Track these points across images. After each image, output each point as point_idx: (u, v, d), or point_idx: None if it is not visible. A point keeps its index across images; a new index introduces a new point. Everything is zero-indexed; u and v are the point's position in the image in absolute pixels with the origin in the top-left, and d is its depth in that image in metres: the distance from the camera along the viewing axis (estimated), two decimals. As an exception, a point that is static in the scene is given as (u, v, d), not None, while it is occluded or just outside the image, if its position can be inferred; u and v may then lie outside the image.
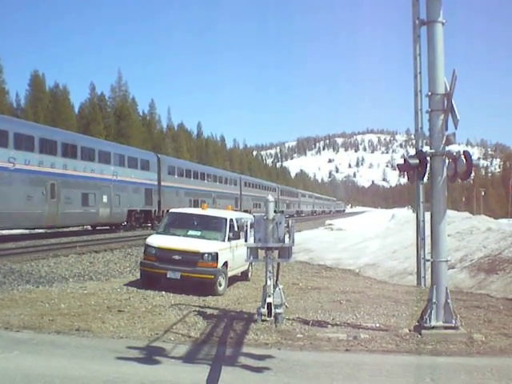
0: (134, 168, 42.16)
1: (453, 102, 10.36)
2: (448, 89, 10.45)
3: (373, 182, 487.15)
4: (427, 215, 10.74)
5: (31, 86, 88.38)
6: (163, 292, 14.73)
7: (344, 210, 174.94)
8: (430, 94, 10.61)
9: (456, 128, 10.49)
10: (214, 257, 15.23)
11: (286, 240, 11.04)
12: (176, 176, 50.38)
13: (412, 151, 11.13)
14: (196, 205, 49.85)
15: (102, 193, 37.06)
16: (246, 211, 52.26)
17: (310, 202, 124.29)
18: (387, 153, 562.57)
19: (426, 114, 10.75)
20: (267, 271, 10.96)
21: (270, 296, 10.06)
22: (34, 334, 9.70)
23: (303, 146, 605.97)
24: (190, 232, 16.45)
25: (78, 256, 21.65)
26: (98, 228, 39.91)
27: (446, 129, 10.59)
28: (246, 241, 11.31)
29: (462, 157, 10.04)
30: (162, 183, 46.57)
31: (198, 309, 12.79)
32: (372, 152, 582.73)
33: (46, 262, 19.48)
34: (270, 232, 10.81)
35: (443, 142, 10.51)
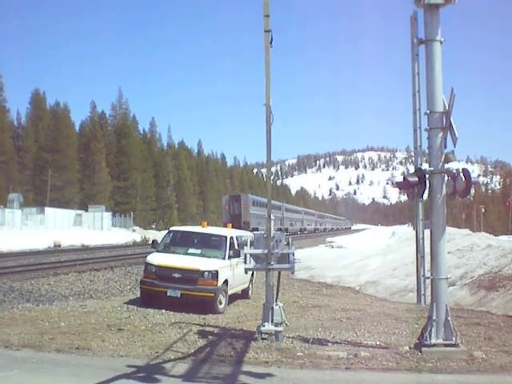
0: (275, 209, 75.65)
1: (451, 120, 10.43)
2: (447, 107, 10.53)
3: (373, 199, 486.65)
4: (427, 232, 10.75)
5: (32, 104, 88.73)
6: (163, 310, 14.69)
7: (350, 227, 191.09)
8: (428, 112, 10.67)
9: (455, 146, 10.56)
10: (215, 275, 15.21)
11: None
12: (288, 212, 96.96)
13: (412, 168, 11.17)
14: (291, 225, 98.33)
15: (275, 218, 66.22)
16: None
17: (330, 221, 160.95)
18: (387, 170, 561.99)
19: (424, 132, 10.81)
20: (267, 285, 11.06)
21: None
22: (34, 353, 9.68)
23: (303, 164, 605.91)
24: (191, 250, 16.45)
25: (78, 274, 21.65)
26: (97, 246, 40.46)
27: (445, 146, 10.64)
28: (245, 263, 11.43)
29: (461, 174, 10.09)
30: (284, 215, 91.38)
31: (198, 327, 12.77)
32: (372, 169, 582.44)
33: (46, 281, 19.48)
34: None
35: (442, 159, 10.56)
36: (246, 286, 18.08)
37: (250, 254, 11.43)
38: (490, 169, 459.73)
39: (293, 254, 11.45)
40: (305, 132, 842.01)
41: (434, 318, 10.36)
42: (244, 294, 18.29)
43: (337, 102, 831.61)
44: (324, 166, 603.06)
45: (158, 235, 43.03)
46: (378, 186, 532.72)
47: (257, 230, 58.91)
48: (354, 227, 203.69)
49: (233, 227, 46.34)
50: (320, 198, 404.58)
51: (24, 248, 38.55)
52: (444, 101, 10.63)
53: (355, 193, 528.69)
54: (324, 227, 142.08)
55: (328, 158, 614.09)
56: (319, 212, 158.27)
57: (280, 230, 71.53)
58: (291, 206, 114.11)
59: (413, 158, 11.38)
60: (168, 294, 15.11)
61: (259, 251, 11.27)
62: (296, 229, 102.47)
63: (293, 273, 11.95)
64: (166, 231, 18.87)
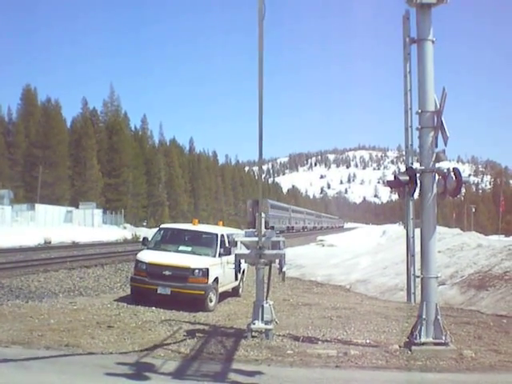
0: (284, 210, 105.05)
1: (442, 120, 10.46)
2: (438, 106, 10.55)
3: (364, 198, 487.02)
4: (417, 231, 10.78)
5: (23, 100, 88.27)
6: (153, 308, 14.68)
7: (343, 226, 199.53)
8: (420, 111, 10.69)
9: (446, 145, 10.60)
10: (205, 272, 15.21)
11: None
12: (293, 213, 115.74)
13: (403, 168, 11.19)
14: (296, 223, 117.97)
15: (283, 219, 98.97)
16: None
17: (326, 220, 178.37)
18: (379, 169, 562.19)
19: (416, 131, 10.83)
20: (258, 283, 11.05)
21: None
22: (23, 350, 9.64)
23: (295, 162, 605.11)
24: (181, 247, 16.45)
25: (68, 271, 21.59)
26: (88, 243, 40.57)
27: (436, 146, 10.67)
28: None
29: (452, 174, 10.11)
30: (291, 215, 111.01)
31: (188, 325, 12.76)
32: (363, 168, 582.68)
33: (36, 277, 19.43)
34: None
35: (433, 158, 10.59)
36: (236, 284, 18.05)
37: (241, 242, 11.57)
38: (481, 168, 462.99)
39: (283, 242, 11.52)
40: (297, 131, 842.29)
41: (424, 316, 10.39)
42: (234, 291, 18.28)
43: (328, 101, 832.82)
44: (315, 165, 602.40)
45: (149, 232, 42.88)
46: (369, 184, 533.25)
47: (272, 228, 78.00)
48: (345, 226, 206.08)
49: (253, 225, 54.12)
50: (311, 197, 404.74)
51: (14, 244, 38.38)
52: (435, 100, 10.66)
53: (346, 191, 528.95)
54: (321, 225, 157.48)
55: (320, 157, 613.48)
56: (317, 212, 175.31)
57: (288, 227, 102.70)
58: (296, 208, 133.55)
59: (404, 157, 11.39)
60: (158, 291, 15.11)
61: (251, 238, 11.33)
62: (299, 227, 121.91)
63: (283, 279, 11.98)
64: (157, 228, 18.84)
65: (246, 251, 11.53)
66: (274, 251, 11.21)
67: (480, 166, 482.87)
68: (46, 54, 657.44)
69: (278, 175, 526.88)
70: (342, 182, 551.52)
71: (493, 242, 27.71)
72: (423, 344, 10.26)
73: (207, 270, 15.26)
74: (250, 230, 11.94)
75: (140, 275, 15.52)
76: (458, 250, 24.69)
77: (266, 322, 11.24)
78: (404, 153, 11.39)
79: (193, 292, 15.07)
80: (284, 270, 11.45)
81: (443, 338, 10.31)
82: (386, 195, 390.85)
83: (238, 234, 17.50)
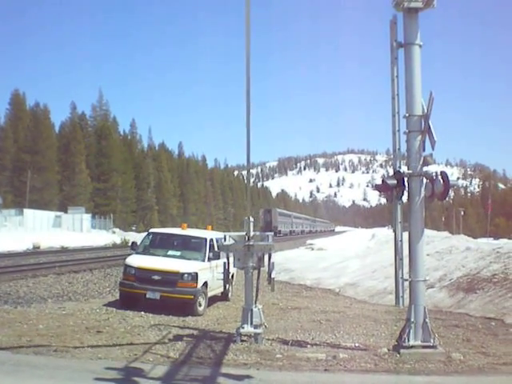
0: (287, 217, 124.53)
1: (430, 124, 10.51)
2: (425, 110, 10.61)
3: (353, 201, 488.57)
4: (406, 235, 10.82)
5: (11, 105, 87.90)
6: (142, 312, 14.66)
7: (334, 230, 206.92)
8: (407, 115, 10.75)
9: (433, 149, 10.65)
10: (194, 277, 15.19)
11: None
12: (295, 219, 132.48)
13: (392, 171, 11.23)
14: (296, 227, 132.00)
15: (287, 224, 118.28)
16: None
17: (319, 224, 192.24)
18: (368, 173, 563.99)
19: (404, 135, 10.88)
20: (247, 287, 11.05)
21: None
22: (12, 355, 9.58)
23: (284, 166, 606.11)
24: (170, 252, 16.43)
25: (57, 276, 21.50)
26: (77, 248, 40.44)
27: (424, 150, 10.73)
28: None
29: (439, 177, 10.17)
30: (293, 220, 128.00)
31: (177, 329, 12.74)
32: (353, 172, 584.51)
33: (24, 283, 19.34)
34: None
35: (421, 162, 10.64)
36: (225, 288, 18.09)
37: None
38: (470, 172, 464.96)
39: (272, 235, 11.60)
40: (285, 135, 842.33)
41: (412, 319, 10.42)
42: (224, 296, 18.25)
43: (317, 105, 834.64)
44: (305, 169, 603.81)
45: (138, 237, 42.81)
46: (358, 188, 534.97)
47: (280, 231, 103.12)
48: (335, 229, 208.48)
49: (266, 230, 59.53)
50: (301, 201, 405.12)
51: (2, 250, 38.15)
52: (423, 104, 10.72)
53: (336, 195, 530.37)
54: (315, 229, 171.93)
55: (309, 161, 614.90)
56: (312, 217, 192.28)
57: (290, 231, 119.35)
58: (296, 214, 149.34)
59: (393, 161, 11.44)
60: (147, 296, 15.08)
61: (239, 233, 11.38)
62: (299, 230, 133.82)
63: (273, 289, 12.04)
64: (146, 233, 18.81)
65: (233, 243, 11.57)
66: (263, 242, 11.23)
67: (469, 170, 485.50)
68: (35, 59, 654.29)
69: (267, 179, 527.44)
70: (331, 186, 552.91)
71: (481, 245, 27.83)
72: (412, 347, 10.30)
73: (196, 274, 15.24)
74: (241, 233, 11.96)
75: (129, 280, 15.47)
76: (447, 253, 24.81)
77: (255, 326, 11.23)
78: (392, 156, 11.44)
79: (182, 296, 15.06)
80: (273, 276, 11.49)
81: (432, 341, 10.35)
82: (375, 199, 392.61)
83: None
